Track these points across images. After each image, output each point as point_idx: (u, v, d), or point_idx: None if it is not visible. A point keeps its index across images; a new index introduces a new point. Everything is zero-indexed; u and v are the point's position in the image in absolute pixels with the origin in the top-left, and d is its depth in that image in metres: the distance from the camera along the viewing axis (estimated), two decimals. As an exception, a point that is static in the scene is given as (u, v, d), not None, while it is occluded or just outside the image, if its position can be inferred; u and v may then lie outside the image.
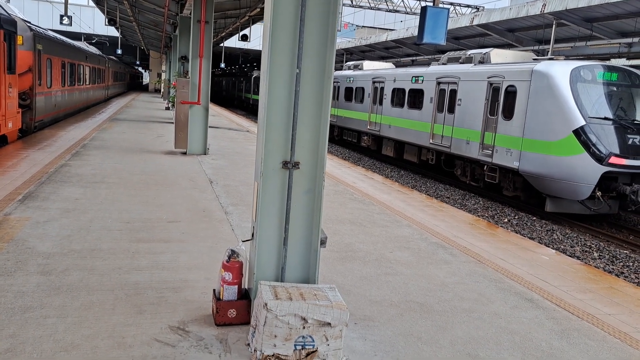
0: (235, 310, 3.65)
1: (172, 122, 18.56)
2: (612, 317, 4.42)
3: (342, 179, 10.54)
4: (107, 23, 23.29)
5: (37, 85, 14.77)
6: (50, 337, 3.31)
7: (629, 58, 20.42)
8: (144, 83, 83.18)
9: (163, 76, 40.34)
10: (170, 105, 24.97)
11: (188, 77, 11.92)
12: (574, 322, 4.26)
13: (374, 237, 6.32)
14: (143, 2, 18.80)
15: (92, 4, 28.57)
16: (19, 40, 12.84)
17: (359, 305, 4.25)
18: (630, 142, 10.74)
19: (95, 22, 41.65)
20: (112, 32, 38.52)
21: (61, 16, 14.72)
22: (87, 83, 25.15)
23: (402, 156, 18.23)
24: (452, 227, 7.20)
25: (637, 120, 11.07)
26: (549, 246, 9.42)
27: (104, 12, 23.48)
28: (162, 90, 39.31)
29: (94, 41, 45.80)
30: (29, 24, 14.69)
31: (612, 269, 8.36)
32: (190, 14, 12.38)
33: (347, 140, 23.53)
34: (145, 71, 78.91)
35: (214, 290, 3.80)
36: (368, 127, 20.41)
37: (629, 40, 16.14)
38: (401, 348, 3.58)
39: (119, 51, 31.50)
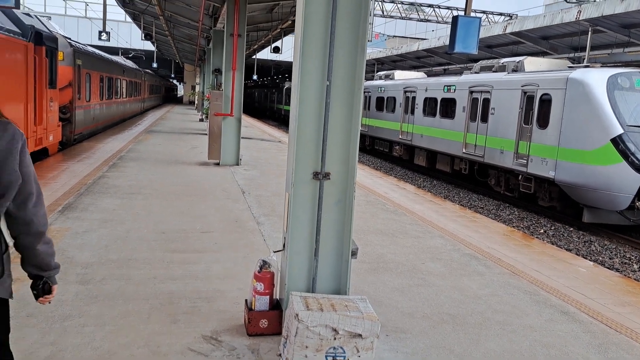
0: (267, 321, 3.69)
1: (206, 134, 18.91)
2: (654, 333, 4.26)
3: (373, 189, 10.51)
4: (143, 38, 23.99)
5: (77, 99, 15.33)
6: (89, 345, 3.42)
7: (670, 63, 19.73)
8: (178, 95, 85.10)
9: (197, 88, 41.22)
10: (203, 117, 25.46)
11: (221, 90, 12.16)
12: (612, 336, 4.12)
13: (406, 248, 6.28)
14: (178, 17, 19.32)
15: (129, 19, 29.53)
16: (60, 55, 13.36)
17: (390, 316, 4.23)
18: (672, 150, 10.36)
19: (132, 37, 42.96)
20: (148, 46, 39.67)
21: (100, 32, 15.28)
22: (124, 96, 25.93)
23: (434, 166, 18.05)
24: (486, 238, 7.08)
25: (679, 128, 10.68)
26: (586, 258, 9.14)
27: (140, 27, 24.20)
28: (196, 102, 40.14)
29: (130, 55, 47.21)
30: (69, 40, 15.29)
31: (655, 282, 8.04)
32: (223, 27, 12.67)
33: (378, 150, 23.47)
34: (179, 84, 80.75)
35: (246, 300, 3.85)
36: (400, 136, 20.32)
37: (670, 45, 15.61)
38: (433, 361, 3.55)
39: (155, 65, 32.38)
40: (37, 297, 2.16)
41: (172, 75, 56.88)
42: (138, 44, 42.08)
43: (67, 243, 5.41)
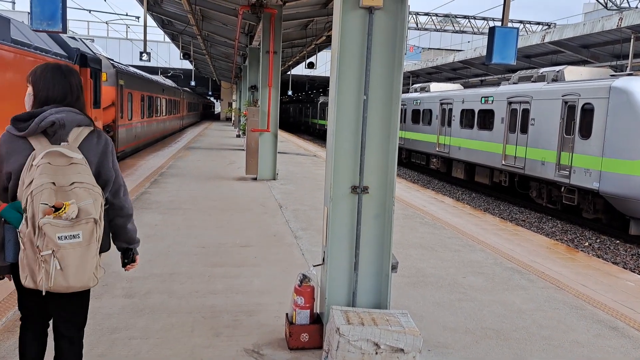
0: (308, 335, 3.71)
1: (243, 149, 19.22)
2: None
3: (411, 202, 10.43)
4: (181, 57, 24.72)
5: (119, 118, 15.90)
6: (135, 357, 3.51)
7: None
8: (215, 112, 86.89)
9: (234, 105, 42.05)
10: (240, 132, 25.91)
11: (258, 106, 12.38)
12: (667, 355, 3.94)
13: (446, 262, 6.20)
14: (215, 36, 19.85)
15: (167, 40, 30.48)
16: (104, 77, 13.92)
17: (432, 331, 4.17)
18: None
19: (170, 57, 44.28)
20: (187, 65, 40.79)
21: (140, 53, 15.90)
22: (164, 114, 26.70)
23: (473, 178, 17.76)
24: (529, 252, 6.91)
25: None
26: (634, 271, 8.78)
27: (179, 47, 24.96)
28: (233, 118, 40.91)
29: (169, 74, 48.60)
30: (112, 62, 15.91)
31: None
32: (259, 45, 12.94)
33: (415, 163, 23.28)
34: (217, 101, 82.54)
35: (287, 314, 3.89)
36: (437, 149, 20.12)
37: None
38: (477, 377, 3.48)
39: (193, 83, 33.25)
40: (125, 265, 2.73)
41: (210, 93, 58.10)
42: (176, 63, 43.33)
43: (112, 257, 5.58)
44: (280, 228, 7.50)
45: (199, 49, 24.82)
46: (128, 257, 2.72)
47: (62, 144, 2.28)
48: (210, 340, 3.81)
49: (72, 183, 2.22)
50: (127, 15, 39.59)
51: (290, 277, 5.27)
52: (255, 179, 12.29)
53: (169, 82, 30.65)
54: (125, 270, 2.76)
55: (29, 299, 2.47)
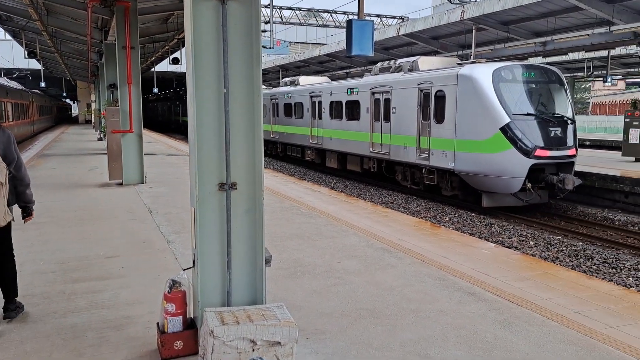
0: (182, 342, 3.54)
1: (106, 153, 17.92)
2: (549, 302, 4.64)
3: (288, 194, 10.52)
4: (27, 56, 22.29)
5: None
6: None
7: (544, 56, 21.77)
8: (73, 115, 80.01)
9: (93, 106, 39.01)
10: (102, 135, 24.13)
11: (118, 105, 11.58)
12: (514, 311, 4.43)
13: (322, 249, 6.34)
14: (64, 32, 18.17)
15: (9, 37, 27.25)
16: None
17: (309, 319, 4.23)
18: (552, 134, 11.40)
19: (14, 56, 39.69)
20: (34, 64, 36.85)
21: (-25, 52, 13.99)
22: (10, 120, 23.92)
23: (345, 167, 18.45)
24: (397, 231, 7.34)
25: (556, 114, 11.78)
26: (488, 240, 9.79)
27: (22, 45, 22.46)
28: (93, 120, 37.97)
29: (14, 75, 43.68)
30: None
31: (548, 255, 8.79)
32: (115, 40, 12.08)
33: (291, 156, 23.57)
34: (73, 102, 75.92)
35: (158, 323, 3.67)
36: (310, 141, 20.55)
37: (542, 39, 17.20)
38: (353, 358, 3.59)
39: (43, 84, 30.20)
40: (24, 217, 4.29)
41: (64, 94, 53.19)
42: (22, 63, 38.95)
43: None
44: (151, 234, 7.11)
45: (46, 46, 22.54)
46: (26, 212, 4.25)
47: None
48: (72, 363, 3.47)
49: None
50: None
51: (162, 285, 4.99)
52: (120, 184, 11.51)
53: (13, 84, 27.49)
54: (24, 222, 4.31)
55: None
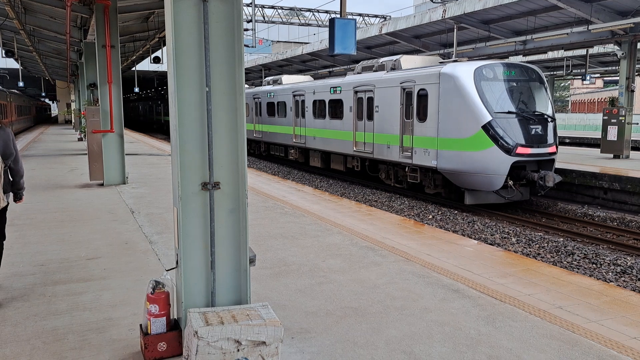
0: (166, 343, 3.50)
1: (86, 154, 17.67)
2: (531, 297, 4.70)
3: (272, 194, 10.49)
4: (4, 55, 21.86)
5: None
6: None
7: (524, 55, 22.04)
8: (53, 115, 78.71)
9: (73, 106, 38.43)
10: (82, 135, 23.79)
11: (98, 105, 11.42)
12: (497, 307, 4.48)
13: (306, 249, 6.33)
14: (42, 31, 17.85)
15: (-15, 36, 26.67)
16: None
17: (294, 319, 4.22)
18: (533, 132, 11.55)
19: (-9, 55, 38.84)
20: (12, 64, 36.13)
21: (-50, 51, 13.67)
22: (-13, 120, 23.37)
23: (329, 166, 18.46)
24: (381, 230, 7.37)
25: (537, 112, 11.94)
26: (471, 237, 9.88)
27: (-1, 44, 22.01)
28: (73, 121, 37.41)
29: (-9, 75, 42.77)
30: None
31: (529, 251, 8.90)
32: (94, 39, 11.90)
33: (275, 155, 23.49)
34: (53, 102, 74.68)
35: (141, 325, 3.63)
36: (294, 140, 20.51)
37: (522, 38, 17.41)
38: (339, 356, 3.59)
39: (21, 84, 29.63)
40: (15, 200, 4.91)
41: (43, 94, 52.29)
42: (-1, 62, 38.19)
43: None
44: (133, 235, 7.02)
45: (24, 45, 22.10)
46: (17, 197, 4.90)
47: None
48: (53, 367, 3.41)
49: None
50: None
51: (145, 286, 4.94)
52: (102, 184, 11.35)
53: (-10, 84, 26.92)
54: (16, 203, 4.97)
55: None
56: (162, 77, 49.87)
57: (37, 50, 22.51)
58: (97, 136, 11.30)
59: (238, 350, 3.15)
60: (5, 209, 4.68)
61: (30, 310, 4.37)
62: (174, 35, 3.44)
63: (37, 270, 5.44)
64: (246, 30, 23.95)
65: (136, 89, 36.09)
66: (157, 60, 23.44)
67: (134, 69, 33.67)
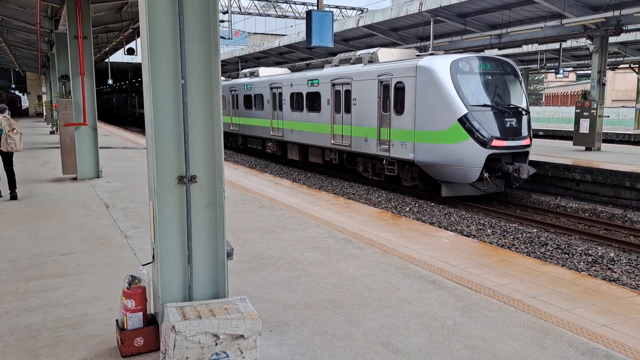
0: (143, 338, 3.47)
1: (59, 147, 17.29)
2: (505, 287, 4.79)
3: (249, 187, 10.43)
4: (-29, 45, 21.15)
5: None
6: None
7: (500, 48, 22.32)
8: (23, 107, 76.70)
9: (44, 98, 37.49)
10: (54, 129, 23.24)
11: (70, 97, 11.17)
12: (473, 297, 4.55)
13: (284, 242, 6.33)
14: (11, 21, 17.34)
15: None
16: None
17: (272, 312, 4.22)
18: (508, 125, 11.73)
19: (-43, 45, 37.61)
20: (-21, 54, 35.00)
21: None
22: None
23: (307, 159, 18.43)
24: (359, 222, 7.40)
25: (512, 105, 12.12)
26: (447, 229, 10.01)
27: (-35, 34, 21.28)
28: (44, 113, 36.54)
29: (-42, 66, 41.41)
30: None
31: (504, 242, 9.07)
32: (66, 30, 11.60)
33: (252, 148, 23.35)
34: (23, 94, 72.74)
35: (117, 320, 3.59)
36: (271, 133, 20.41)
37: (498, 32, 17.63)
38: (317, 348, 3.61)
39: (-11, 75, 28.75)
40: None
41: (13, 86, 50.82)
42: (-34, 53, 36.95)
43: None
44: (108, 229, 6.92)
45: (-8, 35, 21.43)
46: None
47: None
48: (26, 365, 3.34)
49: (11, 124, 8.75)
50: None
51: (121, 281, 4.87)
52: (75, 178, 11.13)
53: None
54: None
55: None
56: (136, 68, 49.01)
57: (6, 41, 21.87)
58: (69, 129, 11.06)
59: (216, 344, 3.14)
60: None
61: (1, 307, 4.27)
62: (149, 27, 3.38)
63: (9, 266, 5.32)
64: (222, 21, 23.64)
65: (110, 81, 35.38)
66: (131, 51, 23.01)
67: (107, 60, 33.00)
